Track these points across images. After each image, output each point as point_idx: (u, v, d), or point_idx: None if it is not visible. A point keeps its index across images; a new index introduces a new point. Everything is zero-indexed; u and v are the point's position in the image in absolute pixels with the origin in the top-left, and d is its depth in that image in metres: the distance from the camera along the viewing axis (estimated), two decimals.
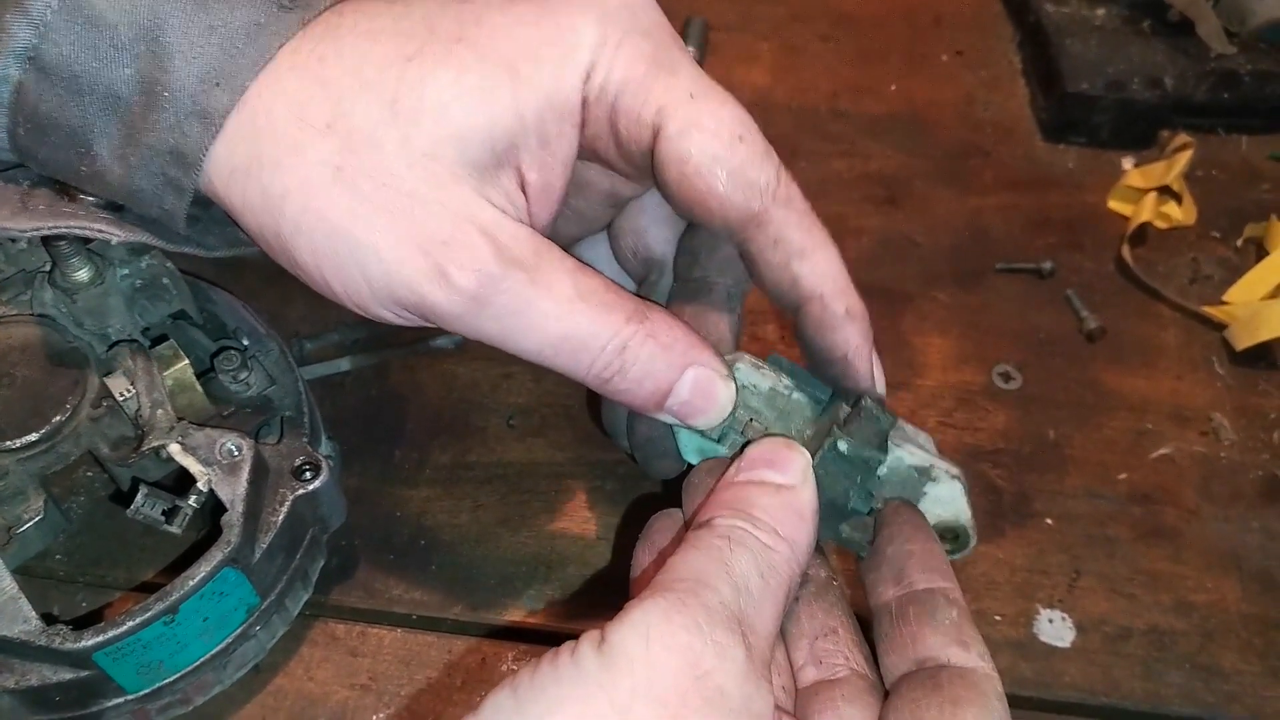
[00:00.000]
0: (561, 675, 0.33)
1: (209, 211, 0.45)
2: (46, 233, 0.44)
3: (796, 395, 0.46)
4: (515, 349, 0.41)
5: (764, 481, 0.40)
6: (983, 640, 0.40)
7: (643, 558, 0.44)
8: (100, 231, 0.44)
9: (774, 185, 0.43)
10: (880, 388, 0.47)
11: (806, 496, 0.41)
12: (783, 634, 0.43)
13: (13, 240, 0.44)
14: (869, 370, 0.45)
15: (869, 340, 0.45)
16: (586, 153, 0.44)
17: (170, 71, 0.39)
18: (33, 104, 0.40)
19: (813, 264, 0.44)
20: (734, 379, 0.44)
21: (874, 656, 0.42)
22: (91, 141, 0.41)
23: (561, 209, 0.44)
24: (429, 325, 0.42)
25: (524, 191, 0.42)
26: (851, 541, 0.44)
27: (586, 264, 0.42)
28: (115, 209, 0.44)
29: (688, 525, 0.43)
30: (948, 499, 0.46)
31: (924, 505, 0.45)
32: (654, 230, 0.51)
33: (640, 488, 0.61)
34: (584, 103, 0.41)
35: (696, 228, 0.50)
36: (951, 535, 0.47)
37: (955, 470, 0.45)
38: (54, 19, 0.39)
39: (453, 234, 0.39)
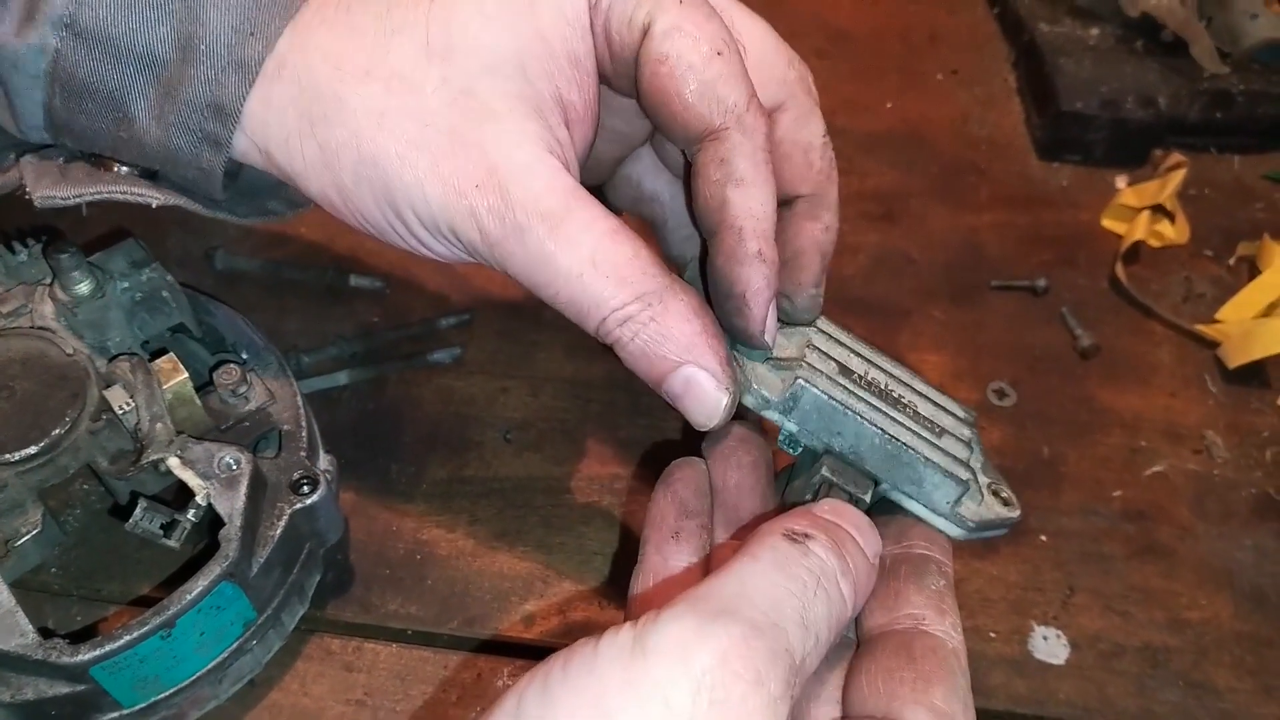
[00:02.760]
0: (576, 683, 0.31)
1: (236, 183, 0.46)
2: (89, 198, 0.45)
3: None
4: (535, 292, 0.42)
5: (859, 545, 0.39)
6: (958, 613, 0.41)
7: (664, 507, 0.44)
8: (140, 195, 0.45)
9: (741, 109, 0.42)
10: (769, 337, 0.46)
11: (874, 580, 0.39)
12: None
13: (56, 209, 0.45)
14: (763, 316, 0.44)
15: (772, 288, 0.44)
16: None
17: (205, 24, 0.40)
18: (70, 71, 0.41)
19: (746, 195, 0.43)
20: (735, 390, 0.44)
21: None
22: (129, 104, 0.42)
23: (598, 128, 0.45)
24: (474, 262, 0.43)
25: (565, 117, 0.42)
26: None
27: (621, 230, 0.41)
28: (150, 177, 0.45)
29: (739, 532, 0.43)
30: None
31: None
32: None
33: (637, 502, 0.61)
34: (589, 13, 0.42)
35: None
36: (1003, 498, 0.46)
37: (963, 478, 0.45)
38: None
39: (486, 178, 0.40)
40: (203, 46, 0.41)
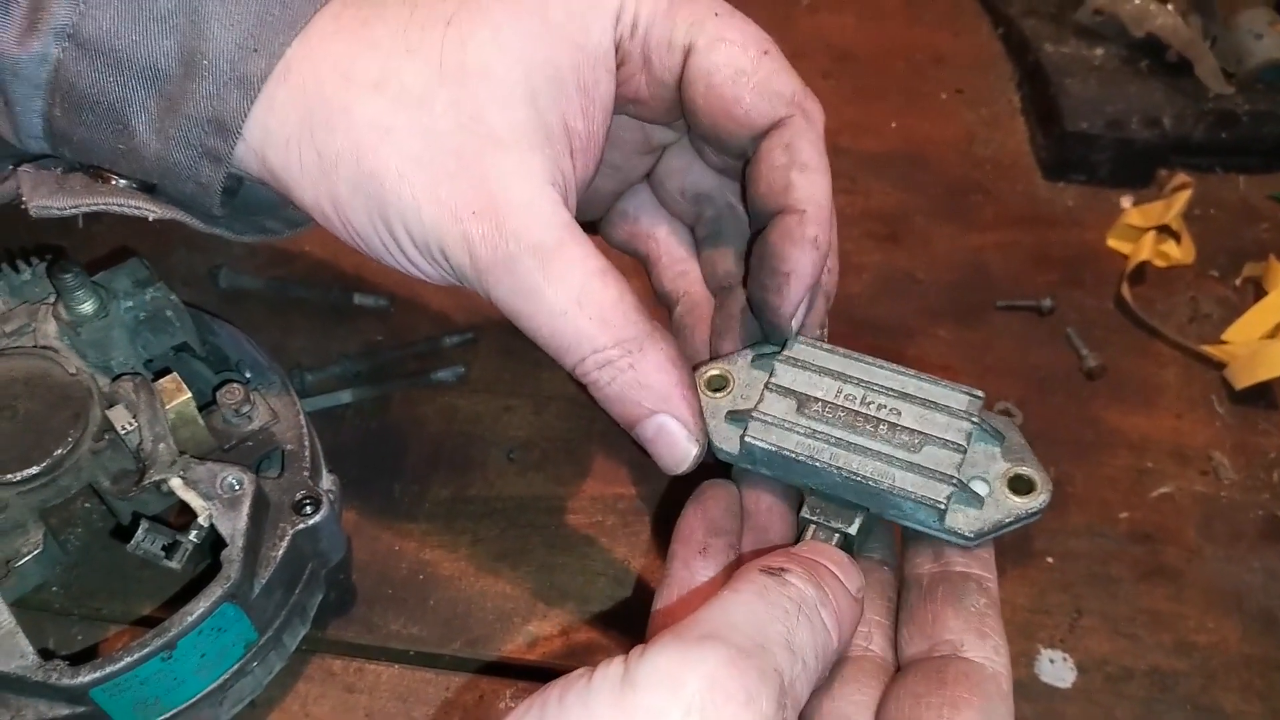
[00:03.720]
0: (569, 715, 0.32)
1: (234, 200, 0.46)
2: (86, 210, 0.44)
3: None
4: (517, 324, 0.42)
5: (840, 580, 0.39)
6: (1004, 633, 0.40)
7: (693, 524, 0.44)
8: (137, 208, 0.45)
9: (801, 97, 0.44)
10: (796, 325, 0.46)
11: (859, 615, 0.39)
12: None
13: (52, 219, 0.44)
14: (798, 300, 0.45)
15: (816, 276, 0.45)
16: (620, 98, 0.45)
17: (209, 40, 0.40)
18: (70, 82, 0.41)
19: (809, 180, 0.44)
20: (704, 441, 0.44)
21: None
22: (129, 116, 0.42)
23: (602, 161, 0.45)
24: (461, 286, 0.43)
25: (570, 146, 0.43)
26: None
27: (610, 272, 0.42)
28: (148, 190, 0.45)
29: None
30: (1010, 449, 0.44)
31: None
32: (697, 166, 0.52)
33: (641, 522, 0.61)
34: (617, 46, 0.43)
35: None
36: (1023, 484, 0.44)
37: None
38: None
39: (485, 206, 0.40)
40: (205, 61, 0.41)
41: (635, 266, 0.54)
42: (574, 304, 0.41)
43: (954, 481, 0.43)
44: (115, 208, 0.45)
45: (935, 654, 0.40)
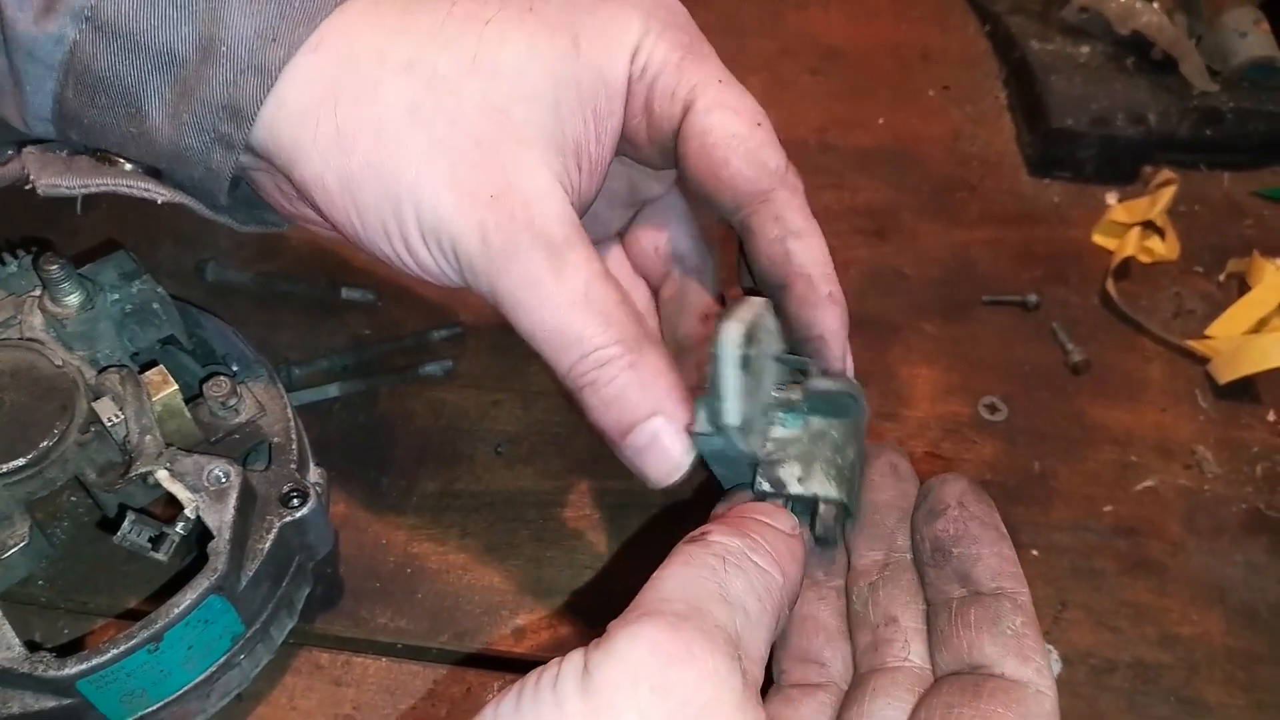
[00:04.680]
0: (541, 713, 0.33)
1: (235, 193, 0.46)
2: (95, 190, 0.44)
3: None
4: (516, 323, 0.43)
5: (765, 522, 0.40)
6: (1044, 651, 0.38)
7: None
8: (145, 190, 0.45)
9: (784, 170, 0.46)
10: (849, 372, 0.48)
11: (799, 548, 0.40)
12: (848, 619, 0.43)
13: (61, 197, 0.44)
14: (841, 354, 0.47)
15: (845, 327, 0.47)
16: (623, 136, 0.46)
17: (228, 27, 0.41)
18: (85, 63, 0.41)
19: (805, 245, 0.46)
20: (696, 450, 0.44)
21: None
22: (143, 100, 0.42)
23: (600, 190, 0.46)
24: (454, 283, 0.43)
25: (580, 164, 0.44)
26: (825, 538, 0.44)
27: (612, 277, 0.43)
28: (154, 175, 0.45)
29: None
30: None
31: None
32: (675, 226, 0.53)
33: (628, 516, 0.61)
34: (628, 83, 0.45)
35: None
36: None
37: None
38: None
39: (502, 191, 0.41)
40: (224, 48, 0.41)
41: None
42: (581, 298, 0.42)
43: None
44: (124, 189, 0.45)
45: (974, 673, 0.39)
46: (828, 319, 0.46)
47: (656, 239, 0.53)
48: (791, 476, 0.44)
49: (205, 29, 0.41)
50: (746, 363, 0.42)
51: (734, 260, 0.50)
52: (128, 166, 0.45)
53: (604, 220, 0.53)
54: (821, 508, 0.44)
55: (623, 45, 0.44)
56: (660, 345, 0.44)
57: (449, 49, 0.42)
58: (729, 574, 0.36)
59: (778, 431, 0.45)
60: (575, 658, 0.34)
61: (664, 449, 0.43)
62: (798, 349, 0.47)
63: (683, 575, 0.36)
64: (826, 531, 0.44)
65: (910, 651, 0.41)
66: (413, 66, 0.41)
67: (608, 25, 0.44)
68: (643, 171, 0.51)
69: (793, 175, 0.46)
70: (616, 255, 0.55)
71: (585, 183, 0.45)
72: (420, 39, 0.42)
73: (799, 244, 0.46)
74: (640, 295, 0.54)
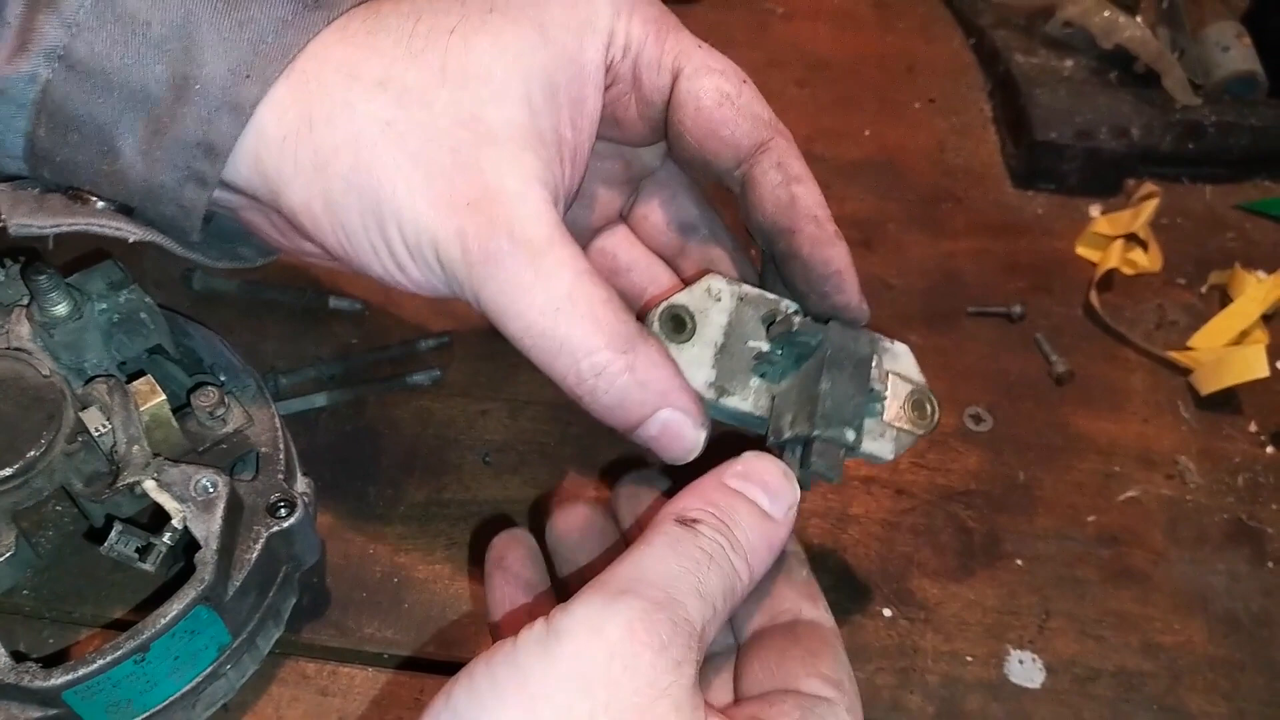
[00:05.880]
0: (502, 683, 0.35)
1: (207, 226, 0.46)
2: (66, 229, 0.44)
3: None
4: (503, 328, 0.43)
5: (754, 502, 0.41)
6: (824, 597, 0.45)
7: (504, 592, 0.48)
8: (117, 230, 0.44)
9: (775, 119, 0.47)
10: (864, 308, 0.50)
11: (783, 535, 0.42)
12: None
13: (32, 238, 0.44)
14: (857, 287, 0.49)
15: (851, 261, 0.49)
16: (606, 118, 0.47)
17: (202, 66, 0.41)
18: (58, 102, 0.41)
19: (808, 189, 0.48)
20: (706, 425, 0.45)
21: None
22: (116, 138, 0.42)
23: (585, 178, 0.47)
24: (448, 295, 0.44)
25: (560, 153, 0.44)
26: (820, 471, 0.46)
27: (598, 274, 0.43)
28: (127, 212, 0.45)
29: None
30: (903, 359, 0.51)
31: (886, 364, 0.50)
32: (679, 196, 0.54)
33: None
34: (608, 67, 0.45)
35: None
36: (917, 404, 0.50)
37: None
38: (86, 17, 0.40)
39: (479, 197, 0.41)
40: (197, 86, 0.41)
41: None
42: (565, 300, 0.41)
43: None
44: (95, 228, 0.44)
45: (778, 621, 0.44)
46: (841, 255, 0.48)
47: (663, 212, 0.54)
48: (787, 424, 0.47)
49: (179, 67, 0.41)
50: (683, 331, 0.47)
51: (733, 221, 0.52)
52: (99, 205, 0.44)
53: (605, 203, 0.53)
54: (817, 446, 0.45)
55: (594, 31, 0.44)
56: (648, 331, 0.44)
57: (417, 63, 0.42)
58: (709, 572, 0.38)
59: (781, 384, 0.48)
60: (536, 626, 0.35)
61: (675, 434, 0.45)
62: (815, 288, 0.48)
63: (666, 560, 0.38)
64: (827, 469, 0.45)
65: None
66: (383, 84, 0.41)
67: (574, 9, 0.44)
68: (633, 149, 0.51)
69: (783, 126, 0.48)
70: (624, 236, 0.54)
71: (568, 171, 0.45)
72: (389, 57, 0.42)
73: (801, 188, 0.47)
74: (662, 270, 0.54)
